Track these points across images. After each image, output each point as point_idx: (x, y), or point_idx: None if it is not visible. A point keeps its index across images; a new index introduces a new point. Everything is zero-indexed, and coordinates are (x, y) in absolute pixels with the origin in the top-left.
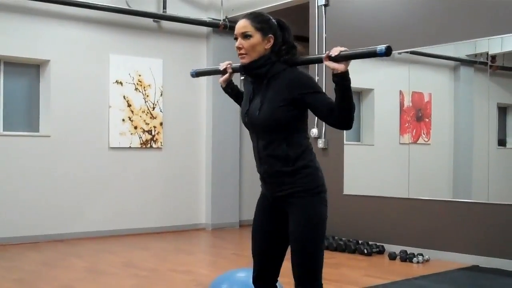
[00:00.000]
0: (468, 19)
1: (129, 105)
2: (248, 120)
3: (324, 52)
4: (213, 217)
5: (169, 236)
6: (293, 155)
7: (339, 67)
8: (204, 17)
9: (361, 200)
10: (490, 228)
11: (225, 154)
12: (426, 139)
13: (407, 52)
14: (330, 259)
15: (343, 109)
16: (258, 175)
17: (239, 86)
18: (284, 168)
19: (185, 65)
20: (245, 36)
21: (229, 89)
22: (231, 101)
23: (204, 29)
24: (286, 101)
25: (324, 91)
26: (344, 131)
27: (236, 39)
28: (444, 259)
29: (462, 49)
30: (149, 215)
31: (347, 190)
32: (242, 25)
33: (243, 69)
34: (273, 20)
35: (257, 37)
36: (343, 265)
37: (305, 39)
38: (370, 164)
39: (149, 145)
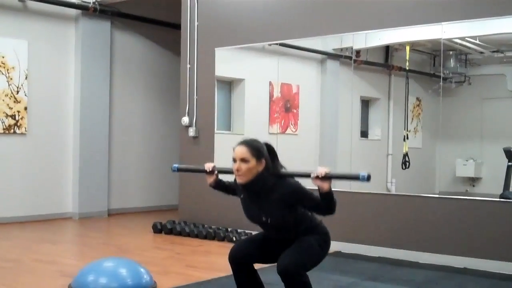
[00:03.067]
0: (334, 14)
1: None
2: (255, 222)
3: (193, 45)
4: (81, 205)
5: (34, 226)
6: (300, 231)
7: (324, 187)
8: None
9: None
10: (352, 216)
11: (93, 141)
12: (293, 130)
13: (276, 43)
14: (199, 246)
15: (327, 207)
16: (126, 164)
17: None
18: (295, 239)
19: (52, 48)
20: (244, 160)
21: (218, 186)
22: (100, 86)
23: (73, 11)
24: (283, 207)
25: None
26: (215, 122)
27: (234, 161)
28: None
29: (329, 43)
30: (11, 204)
31: None
32: (241, 151)
33: (241, 187)
34: (264, 146)
35: (253, 161)
36: (213, 252)
37: (177, 27)
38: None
39: (12, 130)
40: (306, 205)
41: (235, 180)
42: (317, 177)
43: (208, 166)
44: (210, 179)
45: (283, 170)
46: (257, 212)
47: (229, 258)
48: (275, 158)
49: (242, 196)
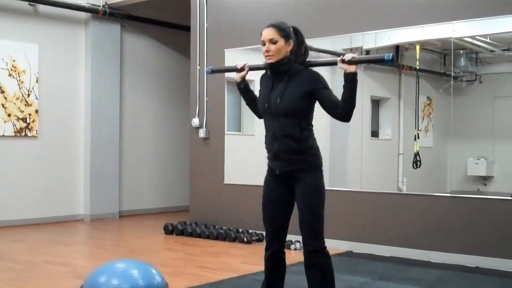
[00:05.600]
0: (344, 14)
1: (2, 92)
2: (269, 107)
3: (203, 43)
4: (92, 207)
5: (46, 228)
6: (303, 136)
7: (351, 68)
8: (82, 2)
9: (241, 189)
10: (363, 216)
11: (104, 143)
12: None
13: None
14: (211, 247)
15: (346, 104)
16: (137, 166)
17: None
18: (295, 146)
19: (63, 51)
20: (272, 41)
21: (243, 85)
22: (110, 89)
23: (83, 15)
24: (304, 93)
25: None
26: (225, 123)
27: (264, 44)
28: None
29: (338, 43)
30: (24, 206)
31: (227, 180)
32: (269, 33)
33: (270, 67)
34: (291, 28)
35: (281, 42)
36: (224, 253)
37: (187, 29)
38: (250, 154)
39: (23, 133)
40: (324, 99)
41: (262, 76)
42: (343, 61)
43: (240, 63)
44: (239, 75)
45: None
46: (273, 95)
47: (267, 250)
48: (302, 42)
49: (265, 84)
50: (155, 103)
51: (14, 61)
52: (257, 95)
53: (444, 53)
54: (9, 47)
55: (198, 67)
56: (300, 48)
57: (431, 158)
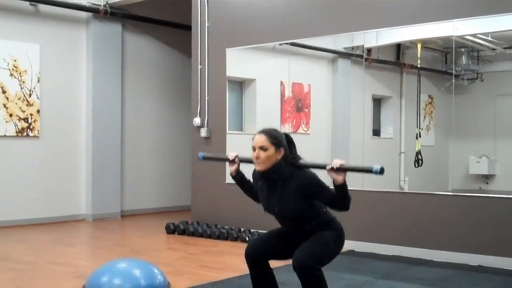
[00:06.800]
0: (345, 13)
1: (3, 92)
2: (271, 212)
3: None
4: (94, 207)
5: (48, 228)
6: (314, 225)
7: (339, 179)
8: (83, 1)
9: None
10: (365, 215)
11: (106, 142)
12: (305, 129)
13: (287, 43)
14: (212, 247)
15: (342, 201)
16: (139, 166)
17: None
18: (309, 234)
19: (64, 51)
20: (262, 149)
21: (238, 177)
22: (112, 88)
23: (84, 14)
24: (299, 197)
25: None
26: (227, 123)
27: (254, 150)
28: None
29: (339, 42)
30: (26, 206)
31: (229, 179)
32: (260, 140)
33: (260, 174)
34: (283, 136)
35: (271, 150)
36: (226, 252)
37: (188, 28)
38: (251, 153)
39: (25, 133)
40: (321, 198)
41: (254, 171)
42: (332, 169)
43: (231, 155)
44: (232, 168)
45: (300, 162)
46: (272, 202)
47: (245, 255)
48: (293, 149)
49: (260, 184)
50: (157, 103)
51: (15, 61)
52: (252, 181)
53: (445, 51)
54: (10, 47)
55: (199, 66)
56: (292, 154)
57: (432, 157)
